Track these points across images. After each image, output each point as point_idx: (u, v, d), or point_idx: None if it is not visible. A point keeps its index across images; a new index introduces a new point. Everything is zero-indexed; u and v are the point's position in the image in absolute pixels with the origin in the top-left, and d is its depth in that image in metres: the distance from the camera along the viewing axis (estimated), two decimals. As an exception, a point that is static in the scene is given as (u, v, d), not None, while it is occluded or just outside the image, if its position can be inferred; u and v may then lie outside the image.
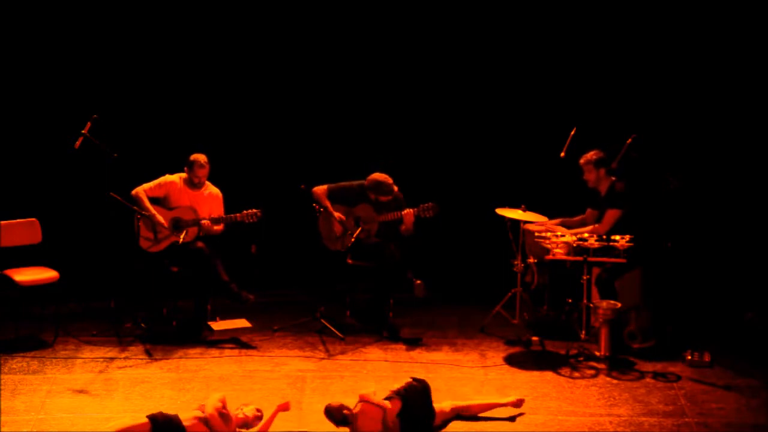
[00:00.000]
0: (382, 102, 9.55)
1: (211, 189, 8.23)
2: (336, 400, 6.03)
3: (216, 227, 8.07)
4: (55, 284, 7.90)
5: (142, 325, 8.12)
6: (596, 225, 7.83)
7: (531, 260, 8.09)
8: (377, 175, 8.14)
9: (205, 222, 7.98)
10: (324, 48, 9.47)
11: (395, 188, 8.13)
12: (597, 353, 7.35)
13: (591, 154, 7.85)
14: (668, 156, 8.64)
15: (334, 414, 5.93)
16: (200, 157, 8.07)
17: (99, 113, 8.00)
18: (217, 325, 8.13)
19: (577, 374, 7.20)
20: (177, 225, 8.02)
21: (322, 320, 8.10)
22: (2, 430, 6.06)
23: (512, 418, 6.36)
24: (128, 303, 8.47)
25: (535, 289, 8.14)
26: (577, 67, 9.33)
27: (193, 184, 8.11)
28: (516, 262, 8.02)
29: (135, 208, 7.93)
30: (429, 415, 6.10)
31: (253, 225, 8.04)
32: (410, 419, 5.96)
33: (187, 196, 8.11)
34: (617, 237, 7.40)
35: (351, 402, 5.97)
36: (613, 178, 7.80)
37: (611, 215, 7.71)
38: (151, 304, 8.39)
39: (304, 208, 8.22)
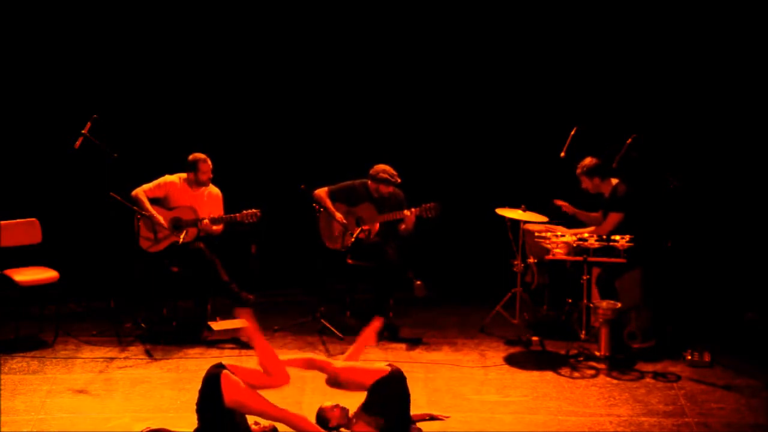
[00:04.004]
0: (382, 102, 9.55)
1: (211, 189, 8.22)
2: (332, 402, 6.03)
3: (215, 227, 8.07)
4: (55, 284, 7.90)
5: (142, 325, 8.12)
6: (596, 227, 7.84)
7: (531, 260, 8.10)
8: (380, 165, 8.15)
9: (204, 222, 7.98)
10: (324, 48, 9.47)
11: (399, 179, 8.12)
12: (597, 353, 7.35)
13: (583, 164, 7.82)
14: (668, 156, 8.64)
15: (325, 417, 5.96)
16: (201, 156, 8.08)
17: (99, 113, 8.00)
18: (217, 325, 8.13)
19: (577, 374, 7.20)
20: (177, 225, 8.02)
21: (322, 320, 8.10)
22: (2, 430, 6.06)
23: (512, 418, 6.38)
24: (128, 303, 8.47)
25: (535, 289, 8.14)
26: (578, 67, 9.33)
27: (199, 183, 8.10)
28: (516, 262, 8.02)
29: (135, 208, 7.93)
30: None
31: (253, 225, 8.04)
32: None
33: (187, 196, 8.11)
34: (617, 237, 7.40)
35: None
36: (615, 181, 7.79)
37: (612, 218, 7.69)
38: (151, 304, 8.38)
39: (304, 208, 8.22)
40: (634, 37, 9.17)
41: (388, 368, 5.89)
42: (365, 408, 5.82)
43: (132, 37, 9.17)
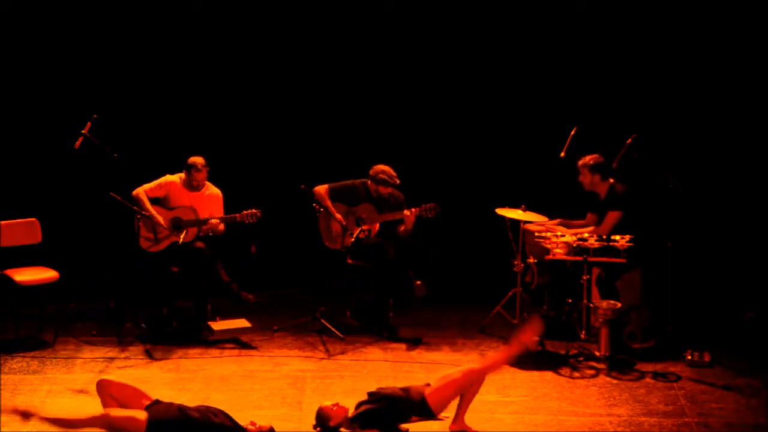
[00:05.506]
0: (382, 102, 9.54)
1: (212, 189, 8.22)
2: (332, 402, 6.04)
3: (221, 226, 8.06)
4: (55, 284, 7.90)
5: (142, 325, 8.12)
6: (596, 226, 7.84)
7: (531, 260, 8.09)
8: (380, 165, 8.15)
9: (213, 221, 7.96)
10: (324, 48, 9.47)
11: (398, 180, 8.12)
12: (597, 353, 7.35)
13: (589, 158, 7.83)
14: (668, 156, 8.64)
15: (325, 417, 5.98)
16: (198, 161, 8.06)
17: (99, 113, 8.00)
18: (217, 325, 8.14)
19: (577, 374, 7.20)
20: (177, 225, 8.02)
21: (322, 320, 8.09)
22: (2, 430, 6.06)
23: (512, 418, 6.38)
24: (128, 303, 8.47)
25: (535, 289, 8.14)
26: (578, 67, 9.33)
27: (190, 186, 8.11)
28: (516, 262, 8.01)
29: (135, 208, 7.93)
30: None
31: (253, 225, 8.04)
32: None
33: (187, 197, 8.11)
34: (617, 237, 7.40)
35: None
36: (611, 181, 7.81)
37: (612, 217, 7.71)
38: (151, 304, 8.38)
39: (304, 208, 8.22)
40: (633, 37, 9.17)
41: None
42: (354, 420, 5.92)
43: (132, 38, 9.17)
